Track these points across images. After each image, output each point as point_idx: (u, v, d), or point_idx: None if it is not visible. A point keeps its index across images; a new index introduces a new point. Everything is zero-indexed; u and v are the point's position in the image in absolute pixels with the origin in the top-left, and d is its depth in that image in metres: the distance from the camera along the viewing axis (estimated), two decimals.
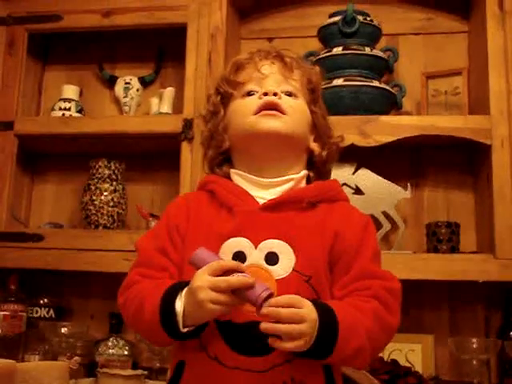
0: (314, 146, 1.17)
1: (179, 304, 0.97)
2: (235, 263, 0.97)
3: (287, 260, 1.03)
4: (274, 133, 1.11)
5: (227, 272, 0.95)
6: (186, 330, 0.97)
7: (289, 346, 0.92)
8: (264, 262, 1.03)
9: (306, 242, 1.04)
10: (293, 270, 1.03)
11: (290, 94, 1.15)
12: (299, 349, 0.93)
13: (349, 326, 0.96)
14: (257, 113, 1.12)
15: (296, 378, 0.98)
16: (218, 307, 0.94)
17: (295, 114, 1.13)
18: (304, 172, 1.15)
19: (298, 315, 0.92)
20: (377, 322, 1.00)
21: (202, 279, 0.95)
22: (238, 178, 1.14)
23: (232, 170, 1.15)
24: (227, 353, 1.00)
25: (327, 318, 0.95)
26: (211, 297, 0.94)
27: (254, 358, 0.99)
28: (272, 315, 0.91)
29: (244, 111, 1.14)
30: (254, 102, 1.13)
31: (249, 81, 1.16)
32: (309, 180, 1.16)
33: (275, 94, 1.12)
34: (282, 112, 1.12)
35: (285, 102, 1.13)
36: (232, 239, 1.05)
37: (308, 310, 0.94)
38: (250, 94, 1.15)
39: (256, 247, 1.04)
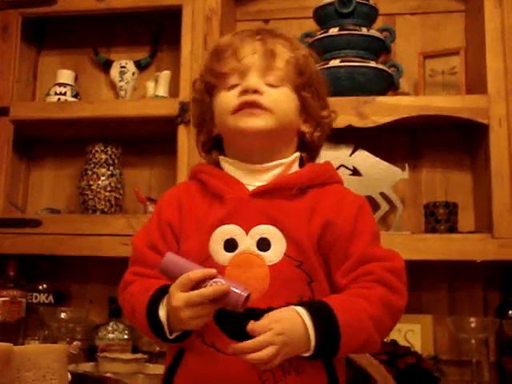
0: (305, 128, 1.14)
1: (163, 313, 0.99)
2: (202, 272, 0.95)
3: (278, 245, 1.03)
4: (255, 131, 1.08)
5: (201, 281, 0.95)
6: (173, 335, 1.00)
7: (253, 356, 0.92)
8: (256, 248, 1.03)
9: (295, 227, 1.04)
10: (284, 255, 1.03)
11: (272, 85, 1.10)
12: (271, 357, 0.92)
13: (351, 321, 0.96)
14: (236, 111, 1.08)
15: (293, 361, 0.98)
16: (200, 320, 0.96)
17: (279, 107, 1.09)
18: (295, 155, 1.13)
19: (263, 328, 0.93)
20: (384, 307, 1.00)
21: (177, 298, 0.95)
22: (227, 165, 1.12)
23: (221, 158, 1.14)
24: (223, 340, 1.00)
25: (323, 319, 0.95)
26: (190, 314, 0.94)
27: None
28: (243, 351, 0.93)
29: (225, 108, 1.10)
30: (234, 98, 1.09)
31: (230, 73, 1.11)
32: (302, 161, 1.15)
33: (256, 91, 1.08)
34: (264, 108, 1.08)
35: (267, 96, 1.08)
36: (223, 226, 1.05)
37: (276, 317, 0.95)
38: (232, 86, 1.11)
39: (247, 234, 1.04)
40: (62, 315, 1.92)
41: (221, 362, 0.99)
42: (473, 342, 1.76)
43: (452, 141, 2.04)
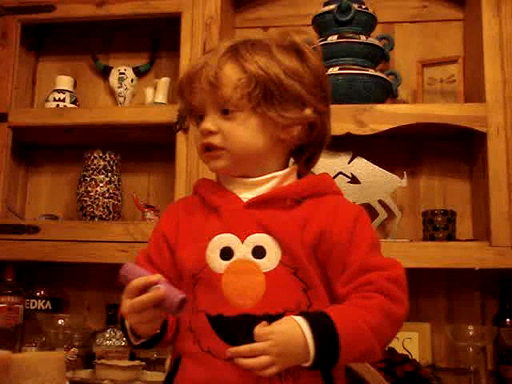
0: (287, 134, 1.10)
1: (127, 322, 1.03)
2: (144, 279, 0.97)
3: (274, 253, 1.04)
4: (219, 170, 1.11)
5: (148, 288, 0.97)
6: (138, 342, 1.04)
7: (245, 361, 0.95)
8: (251, 256, 1.04)
9: (287, 236, 1.04)
10: (280, 262, 1.03)
11: (227, 111, 1.07)
12: (263, 365, 0.95)
13: (351, 332, 0.97)
14: (203, 150, 1.11)
15: (291, 368, 0.99)
16: (148, 325, 1.00)
17: (233, 142, 1.08)
18: (290, 168, 1.13)
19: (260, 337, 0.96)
20: (384, 316, 1.00)
21: (124, 305, 0.99)
22: (225, 180, 1.13)
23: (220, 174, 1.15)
24: (220, 345, 1.01)
25: (322, 331, 0.96)
26: (136, 320, 0.99)
27: None
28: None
29: (195, 143, 1.13)
30: (198, 137, 1.11)
31: (193, 107, 1.12)
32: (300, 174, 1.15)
33: (210, 132, 1.08)
34: (219, 148, 1.08)
35: (220, 135, 1.08)
36: (219, 236, 1.06)
37: (276, 328, 0.97)
38: (199, 117, 1.12)
39: (243, 242, 1.05)
40: (60, 322, 1.91)
41: (217, 367, 1.00)
42: (471, 350, 1.76)
43: (450, 149, 2.04)
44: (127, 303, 0.97)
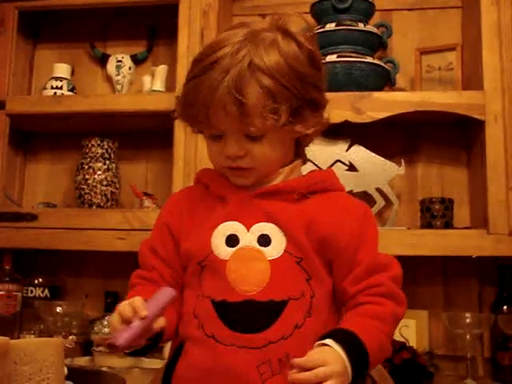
0: (298, 135, 1.11)
1: None
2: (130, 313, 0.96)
3: (279, 242, 1.05)
4: (247, 185, 1.10)
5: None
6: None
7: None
8: (257, 244, 1.05)
9: (294, 227, 1.05)
10: (284, 251, 1.04)
11: (253, 137, 1.05)
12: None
13: (377, 348, 1.00)
14: (226, 167, 1.09)
15: (291, 354, 0.99)
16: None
17: (261, 163, 1.07)
18: (295, 162, 1.13)
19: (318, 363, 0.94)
20: (394, 322, 1.06)
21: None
22: None
23: None
24: (223, 331, 1.01)
25: (356, 354, 0.98)
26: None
27: (249, 335, 1.01)
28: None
29: (215, 160, 1.11)
30: (220, 157, 1.08)
31: (208, 129, 1.08)
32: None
33: (238, 156, 1.06)
34: (248, 169, 1.07)
35: (248, 158, 1.06)
36: (225, 223, 1.07)
37: (329, 357, 0.96)
38: (215, 137, 1.08)
39: (248, 230, 1.06)
40: (58, 309, 1.92)
41: (220, 353, 1.01)
42: (468, 337, 1.76)
43: (448, 137, 2.04)
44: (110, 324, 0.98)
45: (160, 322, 0.98)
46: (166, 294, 0.98)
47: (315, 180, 1.11)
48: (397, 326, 1.07)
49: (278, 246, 1.05)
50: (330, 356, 0.95)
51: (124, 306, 0.97)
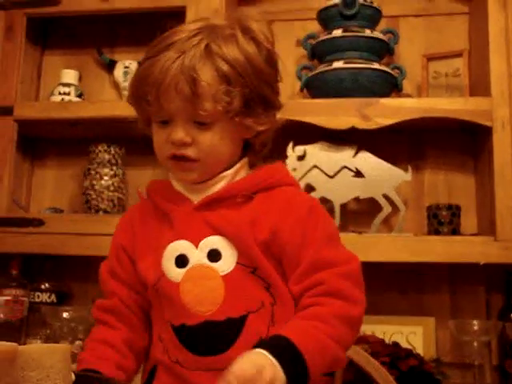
0: (248, 135, 1.08)
1: None
2: None
3: (229, 254, 1.02)
4: (190, 181, 1.06)
5: None
6: None
7: None
8: (207, 261, 1.02)
9: (241, 235, 1.01)
10: (237, 263, 1.01)
11: (203, 123, 1.02)
12: None
13: (314, 348, 0.91)
14: (170, 158, 1.05)
15: None
16: None
17: (208, 155, 1.03)
18: (239, 164, 1.08)
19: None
20: (343, 323, 0.96)
21: None
22: (175, 182, 1.11)
23: (170, 174, 1.12)
24: (186, 355, 1.00)
25: (288, 359, 0.89)
26: None
27: (212, 357, 0.98)
28: None
29: (160, 152, 1.07)
30: (165, 144, 1.04)
31: (157, 113, 1.05)
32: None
33: (183, 143, 1.02)
34: (193, 160, 1.03)
35: (195, 146, 1.02)
36: (172, 243, 1.04)
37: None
38: (162, 122, 1.05)
39: (197, 247, 1.03)
40: (64, 315, 1.92)
41: (186, 378, 0.99)
42: (475, 344, 1.76)
43: (455, 143, 2.03)
44: None
45: None
46: None
47: (258, 179, 1.06)
48: (351, 327, 0.98)
49: (228, 259, 1.01)
50: (261, 360, 0.87)
51: None
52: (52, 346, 0.74)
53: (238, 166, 1.08)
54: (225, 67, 1.00)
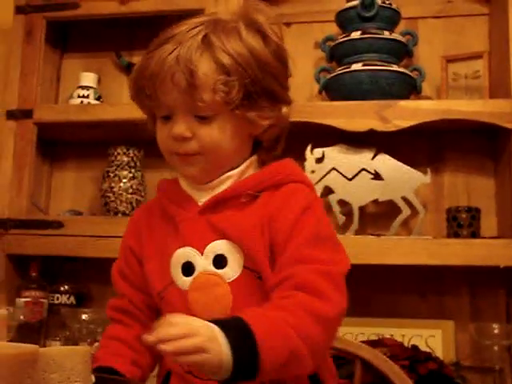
0: (255, 131, 1.05)
1: None
2: None
3: (236, 259, 0.99)
4: (194, 176, 1.04)
5: None
6: None
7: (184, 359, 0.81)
8: (213, 267, 1.00)
9: (248, 239, 0.98)
10: (244, 267, 0.99)
11: (204, 117, 1.00)
12: (197, 363, 0.81)
13: (269, 331, 0.84)
14: (173, 153, 1.03)
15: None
16: None
17: (211, 146, 1.01)
18: (246, 162, 1.05)
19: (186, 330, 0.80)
20: (308, 316, 0.89)
21: None
22: (182, 181, 1.09)
23: (179, 175, 1.10)
24: None
25: (238, 332, 0.83)
26: None
27: None
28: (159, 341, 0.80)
29: (163, 144, 1.05)
30: (168, 140, 1.03)
31: (157, 107, 1.03)
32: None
33: (184, 138, 1.00)
34: (195, 154, 1.01)
35: (195, 140, 1.00)
36: (178, 250, 1.03)
37: (200, 324, 0.82)
38: (165, 117, 1.03)
39: (202, 253, 1.01)
40: (84, 316, 1.93)
41: None
42: (495, 348, 1.74)
43: (475, 145, 2.02)
44: None
45: None
46: None
47: (264, 177, 1.03)
48: (321, 325, 0.89)
49: (235, 264, 0.99)
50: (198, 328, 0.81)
51: None
52: (72, 348, 0.75)
53: (245, 164, 1.05)
54: (224, 58, 0.98)
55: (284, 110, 1.06)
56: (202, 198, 1.04)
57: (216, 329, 0.82)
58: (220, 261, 1.00)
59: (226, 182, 1.03)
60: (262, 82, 1.00)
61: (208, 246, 1.00)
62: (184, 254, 1.02)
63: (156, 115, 1.06)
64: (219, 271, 0.99)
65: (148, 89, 1.00)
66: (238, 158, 1.05)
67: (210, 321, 0.83)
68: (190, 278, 1.01)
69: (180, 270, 1.02)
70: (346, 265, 0.97)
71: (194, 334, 0.80)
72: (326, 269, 0.93)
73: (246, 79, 0.99)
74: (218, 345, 0.81)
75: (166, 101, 1.00)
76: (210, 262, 1.00)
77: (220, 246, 1.00)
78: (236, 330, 0.83)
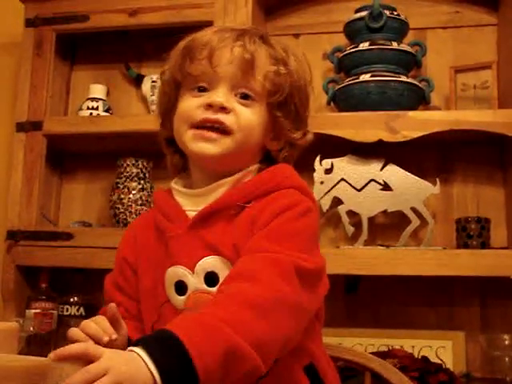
0: (272, 146, 1.06)
1: None
2: None
3: (227, 275, 0.93)
4: (207, 157, 1.00)
5: None
6: None
7: None
8: (205, 286, 0.98)
9: (236, 254, 0.95)
10: None
11: (246, 96, 1.01)
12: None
13: (195, 332, 0.76)
14: (196, 127, 1.00)
15: None
16: None
17: (243, 128, 1.00)
18: (245, 171, 1.03)
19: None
20: (240, 304, 0.81)
21: None
22: (176, 192, 1.07)
23: (172, 184, 1.09)
24: None
25: (159, 344, 0.75)
26: None
27: None
28: None
29: (186, 118, 1.02)
30: (197, 109, 1.00)
31: (201, 75, 1.01)
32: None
33: (222, 108, 0.99)
34: (226, 131, 0.99)
35: (233, 116, 1.00)
36: (170, 269, 1.01)
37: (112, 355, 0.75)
38: (199, 90, 1.02)
39: (193, 271, 0.99)
40: None
41: None
42: (506, 359, 1.73)
43: (484, 155, 2.02)
44: None
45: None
46: None
47: (253, 187, 1.01)
48: (260, 312, 0.80)
49: None
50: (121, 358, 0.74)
51: (89, 324, 0.94)
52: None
53: (242, 173, 1.03)
54: (280, 54, 1.03)
55: (309, 136, 1.08)
56: (194, 207, 1.02)
57: (136, 349, 0.74)
58: (211, 279, 0.98)
59: (218, 190, 1.02)
60: (295, 99, 1.04)
61: (198, 264, 0.99)
62: (175, 273, 1.01)
63: (186, 87, 1.05)
64: (211, 289, 0.98)
65: (200, 53, 1.02)
66: (245, 161, 1.04)
67: (134, 341, 0.77)
68: (183, 298, 1.00)
69: (173, 289, 1.01)
70: (311, 263, 0.90)
71: (106, 370, 0.72)
72: (275, 256, 0.87)
73: (291, 84, 1.03)
74: (135, 366, 0.72)
75: (216, 69, 1.01)
76: (201, 281, 0.99)
77: (211, 263, 0.98)
78: (157, 342, 0.75)
